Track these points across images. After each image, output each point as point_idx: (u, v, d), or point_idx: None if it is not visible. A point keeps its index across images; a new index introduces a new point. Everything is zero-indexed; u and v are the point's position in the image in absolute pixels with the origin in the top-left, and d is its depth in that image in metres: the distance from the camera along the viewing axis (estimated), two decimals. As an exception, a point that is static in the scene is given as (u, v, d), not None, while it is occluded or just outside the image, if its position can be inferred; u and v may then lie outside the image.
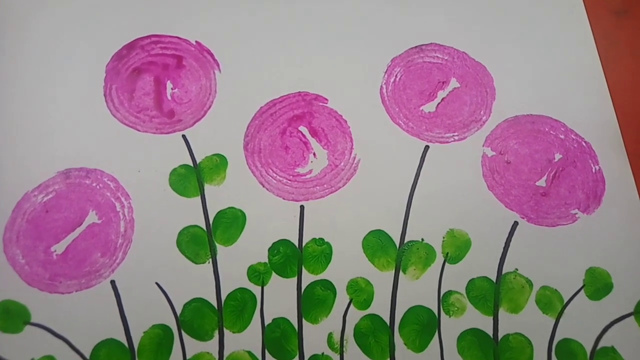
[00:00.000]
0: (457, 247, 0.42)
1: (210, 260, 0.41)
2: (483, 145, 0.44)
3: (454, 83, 0.46)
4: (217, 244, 0.41)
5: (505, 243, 0.42)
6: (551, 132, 0.45)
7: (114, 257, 0.41)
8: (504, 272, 0.41)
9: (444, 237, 0.42)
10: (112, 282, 0.40)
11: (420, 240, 0.42)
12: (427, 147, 0.44)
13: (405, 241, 0.42)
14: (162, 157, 0.43)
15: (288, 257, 0.41)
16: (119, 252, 0.41)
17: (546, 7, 0.49)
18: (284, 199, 0.42)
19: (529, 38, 0.48)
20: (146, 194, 0.42)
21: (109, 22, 0.47)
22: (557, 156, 0.45)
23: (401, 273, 0.41)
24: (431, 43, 0.47)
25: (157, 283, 0.40)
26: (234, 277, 0.40)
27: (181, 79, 0.45)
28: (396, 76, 0.46)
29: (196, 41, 0.46)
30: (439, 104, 0.45)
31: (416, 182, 0.43)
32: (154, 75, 0.45)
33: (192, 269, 0.41)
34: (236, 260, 0.41)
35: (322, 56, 0.46)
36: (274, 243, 0.41)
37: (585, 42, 0.48)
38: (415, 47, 0.47)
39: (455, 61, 0.47)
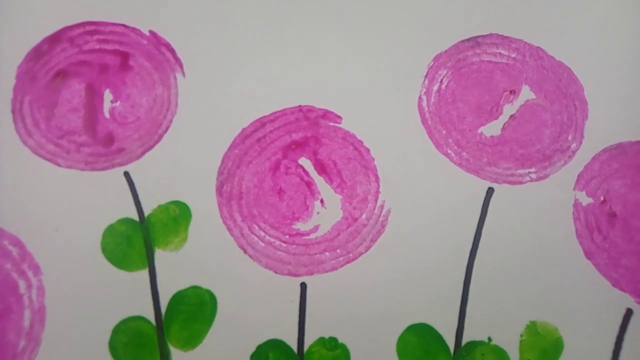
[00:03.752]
0: (543, 351, 0.33)
1: (161, 374, 0.32)
2: (574, 188, 0.35)
3: (526, 93, 0.37)
4: (171, 348, 0.33)
5: (616, 343, 0.33)
6: (674, 167, 0.36)
7: (11, 369, 0.32)
8: (615, 389, 0.33)
9: (522, 335, 0.33)
10: (9, 410, 0.32)
11: (487, 340, 0.33)
12: (490, 190, 0.35)
13: (464, 342, 0.33)
14: (93, 206, 0.35)
15: (282, 368, 0.33)
16: (19, 361, 0.32)
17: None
18: (276, 272, 0.34)
19: (635, 27, 0.39)
20: (66, 266, 0.34)
21: (24, 3, 0.39)
22: (686, 205, 0.35)
23: (458, 395, 0.33)
24: (491, 34, 0.38)
25: (77, 412, 0.32)
26: (198, 402, 0.32)
27: (126, 86, 0.37)
28: (442, 82, 0.37)
29: (150, 31, 0.38)
30: (506, 124, 0.37)
31: (477, 246, 0.34)
32: (87, 81, 0.37)
33: (133, 389, 0.32)
34: (201, 375, 0.32)
35: (333, 54, 0.38)
36: (259, 345, 0.33)
37: None
38: (469, 39, 0.38)
39: (527, 60, 0.38)
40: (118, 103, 0.37)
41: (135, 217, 0.34)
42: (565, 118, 0.36)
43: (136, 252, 0.34)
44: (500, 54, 0.38)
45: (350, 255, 0.34)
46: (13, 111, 0.36)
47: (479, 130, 0.36)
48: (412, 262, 0.34)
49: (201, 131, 0.36)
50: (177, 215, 0.34)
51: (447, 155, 0.36)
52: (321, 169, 0.35)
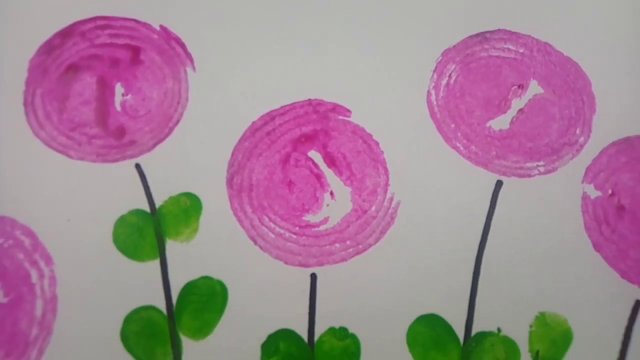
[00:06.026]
0: (552, 342, 0.32)
1: (173, 363, 0.31)
2: (582, 182, 0.35)
3: (534, 87, 0.37)
4: (182, 337, 0.32)
5: (625, 335, 0.32)
6: (681, 160, 0.35)
7: (24, 359, 0.31)
8: (625, 382, 0.32)
9: (531, 326, 0.33)
10: (21, 399, 0.31)
11: (496, 331, 0.33)
12: (499, 184, 0.35)
13: (473, 333, 0.33)
14: (104, 198, 0.34)
15: (292, 358, 0.32)
16: (32, 350, 0.31)
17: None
18: (286, 263, 0.34)
19: (642, 21, 0.38)
20: (78, 256, 0.33)
21: (36, -1, 0.38)
22: (694, 198, 0.34)
23: (468, 385, 0.32)
24: (499, 29, 0.38)
25: (88, 401, 0.31)
26: (209, 392, 0.31)
27: (137, 80, 0.37)
28: (450, 77, 0.37)
29: (161, 26, 0.37)
30: (514, 118, 0.36)
31: (486, 238, 0.34)
32: (98, 74, 0.37)
33: (144, 378, 0.32)
34: (212, 364, 0.32)
35: (343, 48, 0.38)
36: (270, 335, 0.33)
37: None
38: (477, 34, 0.38)
39: (535, 55, 0.37)
40: (129, 96, 0.36)
41: (147, 209, 0.34)
42: (573, 112, 0.36)
43: (147, 243, 0.33)
44: (508, 49, 0.37)
45: (360, 246, 0.34)
46: (25, 104, 0.35)
47: (488, 124, 0.36)
48: (421, 254, 0.34)
49: (211, 124, 0.36)
50: (188, 207, 0.34)
51: (455, 148, 0.35)
52: (331, 161, 0.35)
